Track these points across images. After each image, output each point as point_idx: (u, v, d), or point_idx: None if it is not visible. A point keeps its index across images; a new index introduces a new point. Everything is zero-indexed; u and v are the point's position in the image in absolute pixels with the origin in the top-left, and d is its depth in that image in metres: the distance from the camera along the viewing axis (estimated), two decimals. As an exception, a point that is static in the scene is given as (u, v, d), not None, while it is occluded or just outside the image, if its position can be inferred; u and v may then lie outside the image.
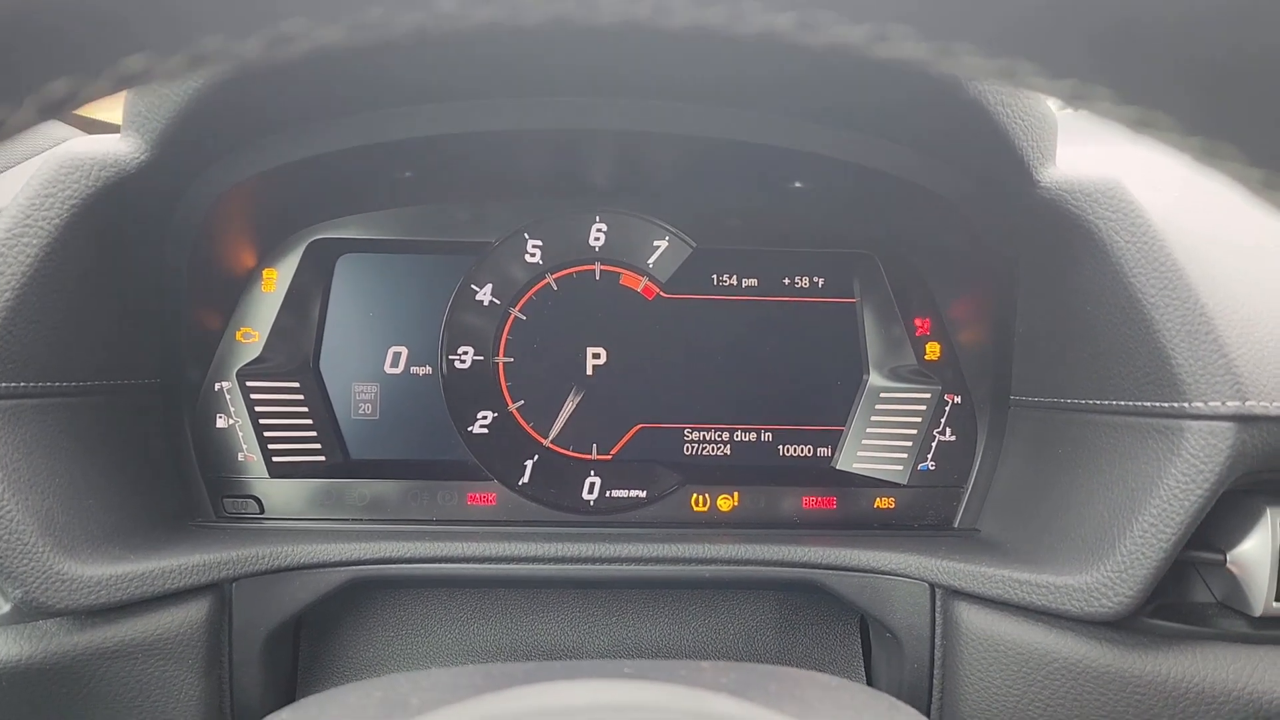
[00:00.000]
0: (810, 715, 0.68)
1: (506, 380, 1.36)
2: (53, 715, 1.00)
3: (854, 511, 1.37)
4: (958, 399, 1.37)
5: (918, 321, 1.38)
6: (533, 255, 1.37)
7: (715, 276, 1.39)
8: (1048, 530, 1.14)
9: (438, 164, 1.29)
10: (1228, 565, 1.05)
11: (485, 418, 1.36)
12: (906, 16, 0.33)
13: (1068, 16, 0.33)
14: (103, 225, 1.03)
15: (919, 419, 1.37)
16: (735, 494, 1.37)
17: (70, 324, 1.03)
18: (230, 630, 1.10)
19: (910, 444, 1.37)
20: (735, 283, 1.39)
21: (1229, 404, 0.94)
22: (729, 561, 1.18)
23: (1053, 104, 1.09)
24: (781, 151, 1.21)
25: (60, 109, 0.34)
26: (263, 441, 1.32)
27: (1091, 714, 1.03)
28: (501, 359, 1.36)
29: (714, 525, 1.36)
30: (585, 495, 1.36)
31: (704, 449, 1.38)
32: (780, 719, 0.59)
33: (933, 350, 1.38)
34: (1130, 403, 1.04)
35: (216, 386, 1.31)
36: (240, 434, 1.31)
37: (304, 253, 1.34)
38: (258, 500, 1.31)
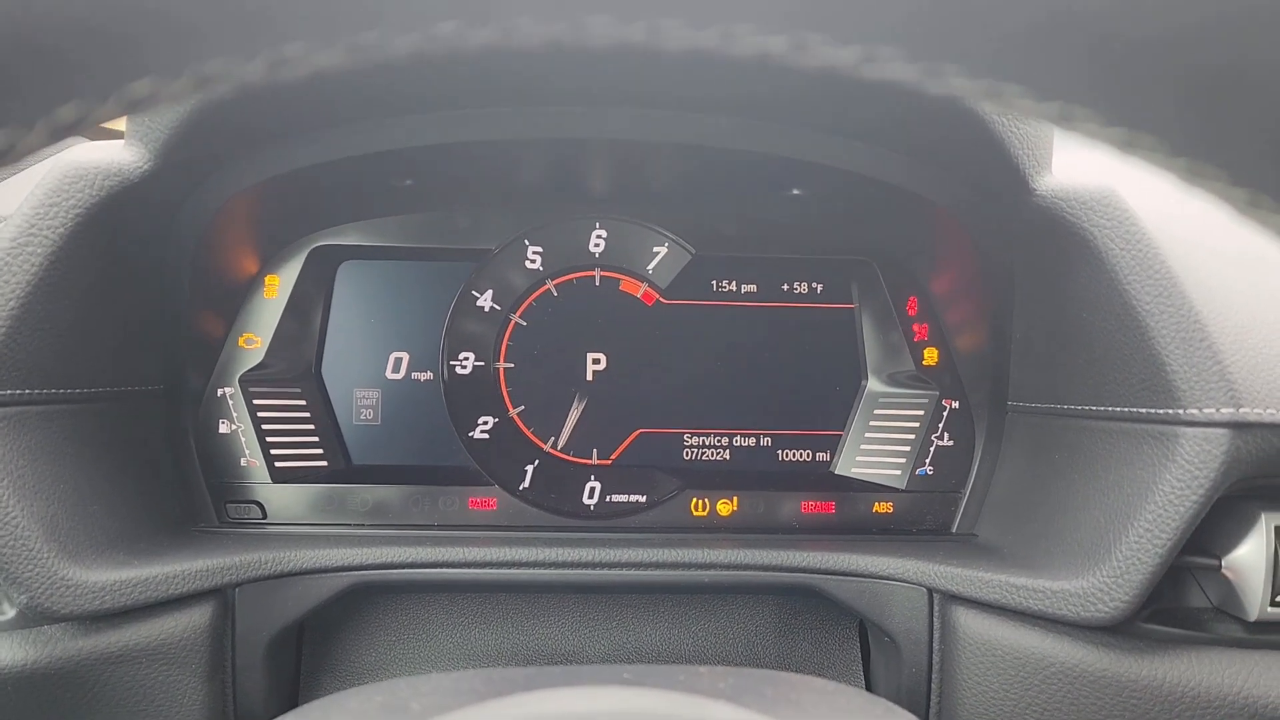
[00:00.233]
0: (807, 720, 0.69)
1: (507, 386, 1.37)
2: (57, 720, 1.01)
3: (852, 516, 1.38)
4: (955, 404, 1.37)
5: (916, 327, 1.39)
6: (533, 261, 1.38)
7: (714, 282, 1.39)
8: (1044, 535, 1.15)
9: (438, 172, 1.30)
10: (1223, 570, 1.06)
11: (486, 423, 1.37)
12: (893, 39, 0.34)
13: (1051, 39, 0.33)
14: (107, 233, 1.04)
15: (917, 424, 1.38)
16: (734, 499, 1.38)
17: (74, 331, 1.03)
18: (233, 635, 1.10)
19: (908, 449, 1.38)
20: (734, 289, 1.39)
21: (1223, 411, 0.95)
22: (728, 566, 1.19)
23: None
24: (780, 160, 1.22)
25: (70, 132, 0.35)
26: (265, 447, 1.32)
27: (1088, 718, 1.04)
28: (502, 364, 1.37)
29: (713, 530, 1.37)
30: (585, 500, 1.37)
31: (703, 454, 1.39)
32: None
33: (930, 356, 1.39)
34: (1126, 409, 1.04)
35: (219, 392, 1.32)
36: (243, 439, 1.32)
37: (306, 259, 1.35)
38: (260, 505, 1.32)
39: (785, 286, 1.40)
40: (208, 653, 1.07)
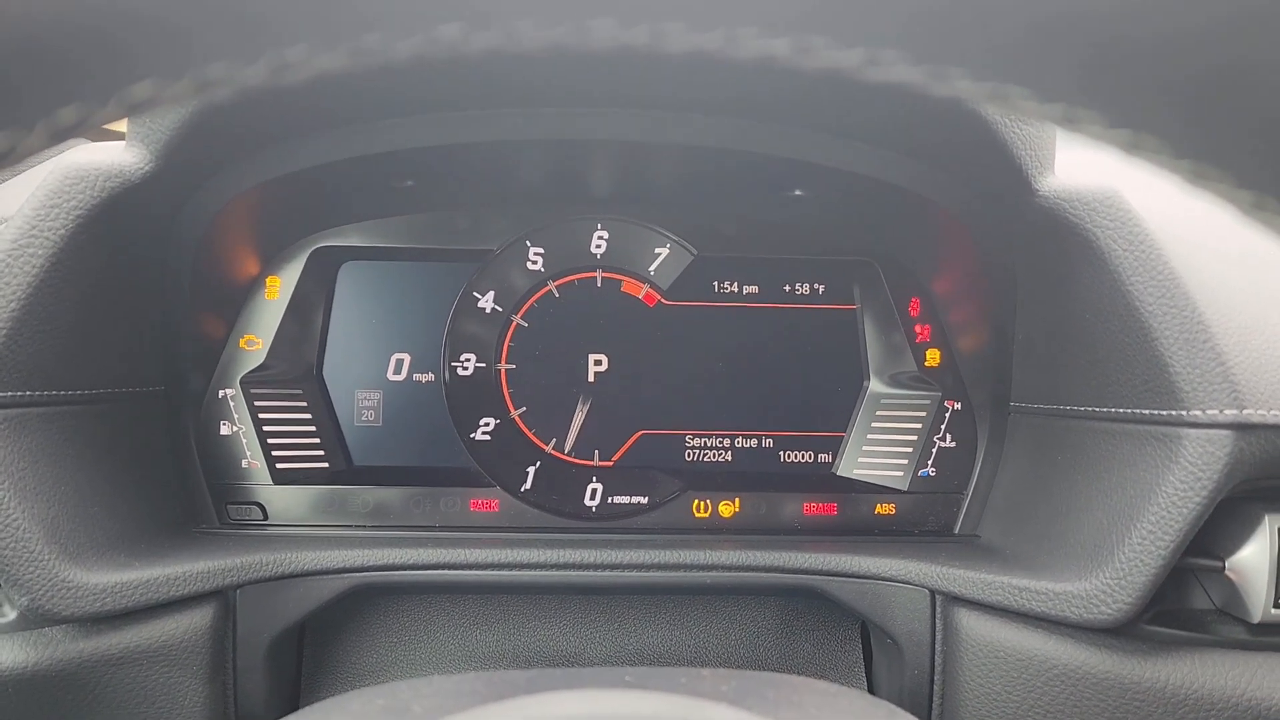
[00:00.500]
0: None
1: (509, 387, 1.37)
2: (58, 722, 1.01)
3: (855, 517, 1.38)
4: (958, 405, 1.37)
5: (918, 328, 1.39)
6: (534, 263, 1.38)
7: (716, 284, 1.39)
8: (1047, 537, 1.14)
9: (439, 173, 1.30)
10: (1226, 572, 1.05)
11: (488, 424, 1.37)
12: (896, 42, 0.33)
13: (1054, 41, 0.33)
14: (108, 235, 1.04)
15: (919, 425, 1.38)
16: (736, 500, 1.38)
17: (76, 333, 1.03)
18: (234, 637, 1.10)
19: (911, 450, 1.38)
20: (736, 290, 1.39)
21: (1226, 412, 0.95)
22: (730, 568, 1.19)
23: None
24: (782, 161, 1.21)
25: (70, 134, 0.35)
26: (266, 448, 1.32)
27: (1091, 720, 1.04)
28: (504, 366, 1.37)
29: (715, 531, 1.36)
30: (587, 501, 1.37)
31: (705, 455, 1.39)
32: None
33: (933, 357, 1.39)
34: (1129, 410, 1.04)
35: (220, 394, 1.32)
36: (244, 441, 1.32)
37: (307, 260, 1.35)
38: (261, 507, 1.32)
39: (787, 287, 1.39)
40: (209, 654, 1.07)
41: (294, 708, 1.20)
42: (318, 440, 1.34)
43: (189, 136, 1.06)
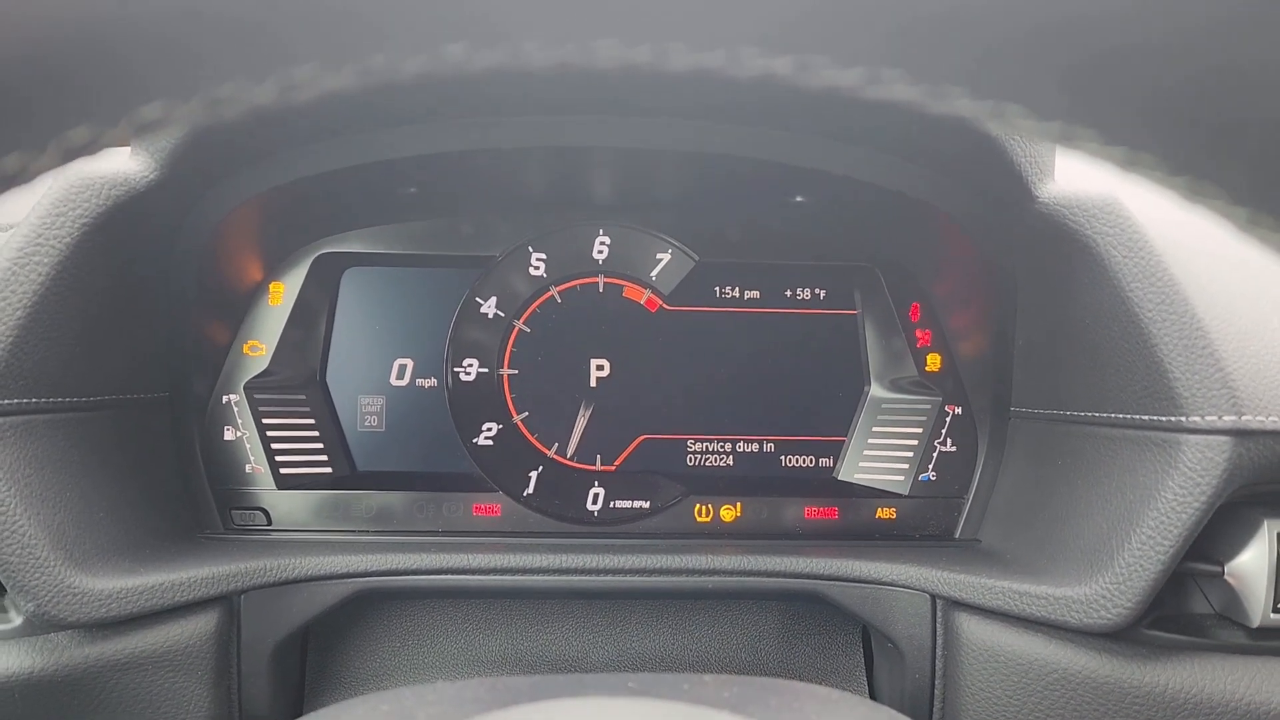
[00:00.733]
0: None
1: (511, 392, 1.38)
2: (64, 727, 1.01)
3: (856, 522, 1.38)
4: (958, 410, 1.38)
5: (918, 333, 1.39)
6: (536, 268, 1.38)
7: (718, 289, 1.40)
8: (1048, 541, 1.15)
9: (442, 180, 1.30)
10: (1226, 577, 1.06)
11: (490, 429, 1.37)
12: (896, 61, 0.34)
13: (1048, 60, 0.34)
14: (113, 242, 1.05)
15: (920, 430, 1.38)
16: (738, 504, 1.38)
17: (81, 340, 1.04)
18: (239, 642, 1.11)
19: (911, 455, 1.38)
20: (738, 295, 1.40)
21: (1225, 418, 0.95)
22: (732, 572, 1.19)
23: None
24: (783, 167, 1.22)
25: (81, 153, 0.36)
26: (270, 454, 1.33)
27: (1091, 725, 1.04)
28: (506, 371, 1.37)
29: (717, 536, 1.37)
30: (589, 506, 1.37)
31: (707, 460, 1.39)
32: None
33: (933, 362, 1.39)
34: (1128, 416, 1.05)
35: (224, 399, 1.32)
36: (248, 446, 1.32)
37: (310, 267, 1.35)
38: (265, 512, 1.32)
39: (788, 293, 1.40)
40: (213, 659, 1.08)
41: (298, 713, 1.20)
42: (321, 445, 1.34)
43: (194, 145, 1.06)
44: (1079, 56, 0.33)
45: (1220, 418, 0.95)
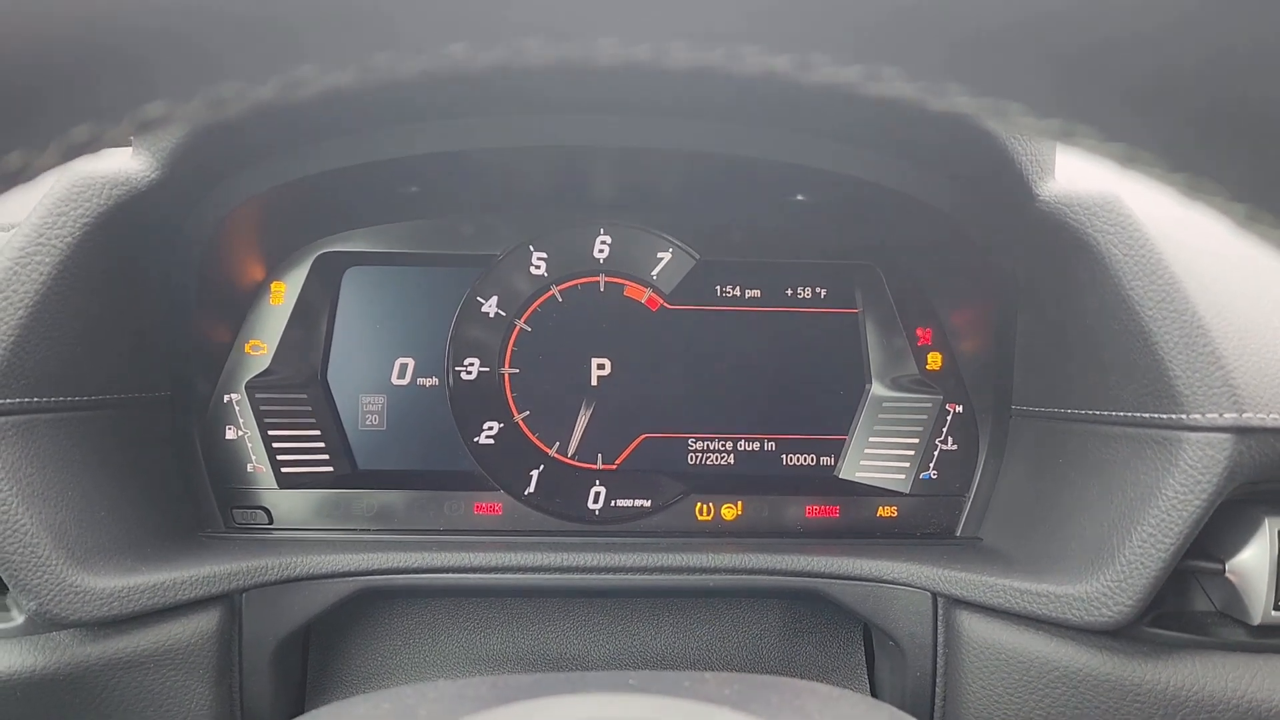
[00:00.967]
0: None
1: (512, 391, 1.38)
2: (66, 725, 1.01)
3: (857, 520, 1.38)
4: (959, 408, 1.38)
5: (919, 332, 1.39)
6: (537, 267, 1.38)
7: (719, 288, 1.40)
8: (1049, 539, 1.15)
9: (443, 179, 1.30)
10: (1227, 574, 1.06)
11: (491, 428, 1.37)
12: (894, 59, 0.34)
13: (1044, 53, 0.34)
14: (114, 242, 1.05)
15: (921, 428, 1.38)
16: (739, 503, 1.38)
17: (83, 339, 1.04)
18: (240, 640, 1.11)
19: (912, 453, 1.38)
20: (738, 294, 1.40)
21: (1226, 416, 0.95)
22: (733, 570, 1.19)
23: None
24: (784, 166, 1.22)
25: (82, 152, 0.36)
26: (271, 453, 1.33)
27: (1092, 722, 1.04)
28: (507, 370, 1.38)
29: (718, 534, 1.37)
30: (590, 505, 1.38)
31: (708, 458, 1.39)
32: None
33: (934, 360, 1.39)
34: (1129, 414, 1.05)
35: (226, 398, 1.32)
36: (249, 445, 1.33)
37: (312, 266, 1.35)
38: (266, 511, 1.32)
39: (789, 291, 1.40)
40: (215, 658, 1.08)
41: (299, 711, 1.21)
42: (322, 444, 1.34)
43: (195, 144, 1.06)
44: (1075, 49, 0.33)
45: (1221, 415, 0.95)
